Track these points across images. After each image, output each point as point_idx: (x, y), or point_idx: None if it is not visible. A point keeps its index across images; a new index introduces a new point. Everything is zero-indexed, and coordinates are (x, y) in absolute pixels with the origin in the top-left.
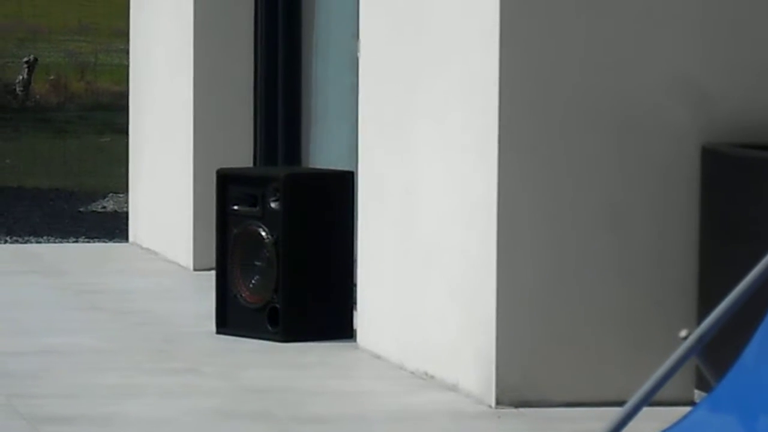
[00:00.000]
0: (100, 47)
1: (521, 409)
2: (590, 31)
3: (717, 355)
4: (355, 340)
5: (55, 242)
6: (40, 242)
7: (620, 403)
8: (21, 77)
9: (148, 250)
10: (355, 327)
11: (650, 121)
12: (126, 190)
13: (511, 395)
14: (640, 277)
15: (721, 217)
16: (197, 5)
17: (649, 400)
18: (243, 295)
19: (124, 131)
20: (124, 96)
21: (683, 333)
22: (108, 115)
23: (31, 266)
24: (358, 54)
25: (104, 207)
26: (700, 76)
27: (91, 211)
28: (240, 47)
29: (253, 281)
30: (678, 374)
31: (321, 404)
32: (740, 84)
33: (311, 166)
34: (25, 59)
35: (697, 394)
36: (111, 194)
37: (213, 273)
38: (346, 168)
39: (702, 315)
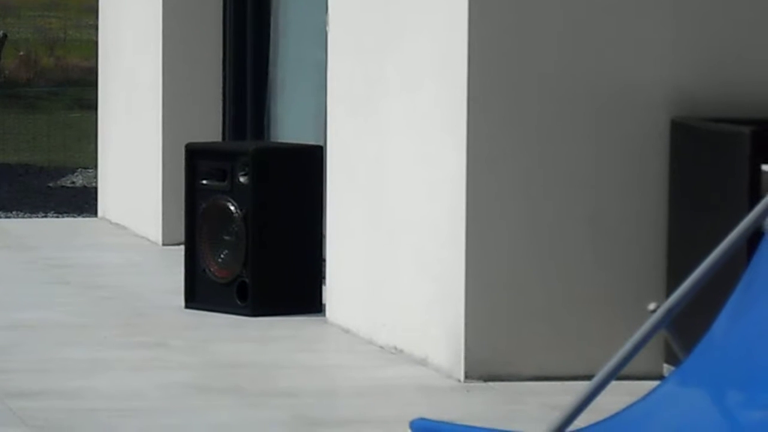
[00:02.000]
0: (69, 23)
1: (490, 383)
2: (559, 7)
3: (686, 328)
4: (324, 315)
5: (24, 217)
6: (9, 217)
7: (589, 377)
8: None
9: (117, 224)
10: (324, 301)
11: (620, 96)
12: (95, 166)
13: (480, 369)
14: (610, 250)
15: (690, 190)
16: None
17: (617, 373)
18: (212, 269)
19: (93, 107)
20: (94, 72)
21: (652, 306)
22: (78, 91)
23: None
24: (327, 29)
25: (73, 182)
26: (671, 52)
27: (61, 186)
28: (208, 21)
29: (222, 256)
30: (647, 348)
31: (290, 378)
32: (710, 59)
33: (280, 140)
34: None
35: (666, 368)
36: (80, 169)
37: (182, 248)
38: (315, 143)
39: (671, 288)
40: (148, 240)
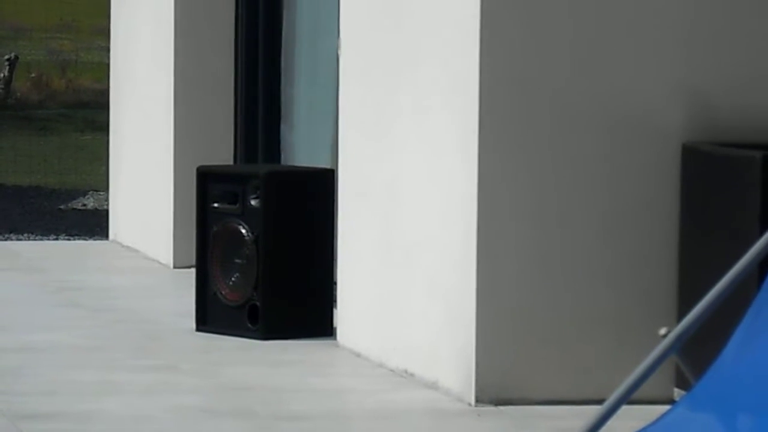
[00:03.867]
0: (81, 45)
1: (501, 407)
2: (571, 30)
3: (696, 353)
4: (335, 338)
5: (35, 239)
6: (20, 239)
7: (600, 401)
8: (2, 75)
9: (128, 247)
10: (335, 325)
11: (631, 120)
12: (106, 188)
13: (491, 393)
14: (621, 275)
15: (702, 215)
16: (178, 3)
17: (628, 397)
18: (223, 292)
19: (105, 129)
20: (105, 94)
21: (663, 331)
22: (89, 113)
23: (11, 263)
24: (339, 52)
25: (84, 205)
26: (683, 76)
27: (72, 208)
28: (220, 45)
29: (233, 279)
30: (658, 372)
31: (301, 402)
32: (721, 84)
33: (292, 164)
34: (7, 57)
35: (677, 392)
36: (91, 192)
37: (193, 271)
38: (327, 166)
39: (682, 312)
40: (159, 263)
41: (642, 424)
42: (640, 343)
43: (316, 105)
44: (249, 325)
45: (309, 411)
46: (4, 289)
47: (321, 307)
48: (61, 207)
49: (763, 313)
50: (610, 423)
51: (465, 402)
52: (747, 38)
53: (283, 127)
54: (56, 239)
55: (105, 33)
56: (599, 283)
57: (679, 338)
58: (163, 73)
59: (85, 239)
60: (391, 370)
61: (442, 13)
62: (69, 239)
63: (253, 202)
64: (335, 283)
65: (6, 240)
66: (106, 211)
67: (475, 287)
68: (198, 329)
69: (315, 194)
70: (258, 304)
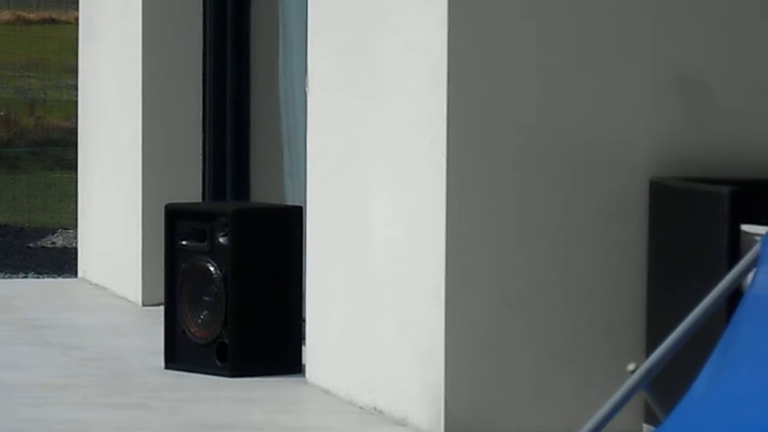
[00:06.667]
0: (49, 83)
1: None
2: (538, 67)
3: (665, 388)
4: (304, 376)
5: (4, 278)
6: None
7: None
8: None
9: (97, 285)
10: (304, 362)
11: (599, 156)
12: (75, 226)
13: (460, 430)
14: (589, 311)
15: (669, 250)
16: (145, 41)
17: None
18: (191, 330)
19: (74, 167)
20: (74, 132)
21: (631, 366)
22: (58, 151)
23: None
24: (307, 89)
25: (53, 243)
26: (649, 111)
27: (41, 246)
28: (189, 82)
29: (201, 316)
30: (627, 407)
31: None
32: (690, 119)
33: (260, 201)
34: None
35: (646, 428)
36: (60, 230)
37: (162, 308)
38: (295, 203)
39: (650, 348)
40: (128, 300)
41: None
42: (608, 379)
43: (285, 142)
44: (218, 362)
45: None
46: None
47: (290, 344)
48: (30, 245)
49: (732, 348)
50: None
51: None
52: (711, 75)
53: (251, 164)
54: (25, 277)
55: (73, 71)
56: (568, 320)
57: (648, 374)
58: (131, 111)
59: (54, 277)
60: (361, 408)
61: (410, 48)
62: (38, 277)
63: (221, 240)
64: (304, 320)
65: None
66: (75, 249)
67: (444, 324)
68: (167, 367)
69: (283, 231)
70: (227, 341)
